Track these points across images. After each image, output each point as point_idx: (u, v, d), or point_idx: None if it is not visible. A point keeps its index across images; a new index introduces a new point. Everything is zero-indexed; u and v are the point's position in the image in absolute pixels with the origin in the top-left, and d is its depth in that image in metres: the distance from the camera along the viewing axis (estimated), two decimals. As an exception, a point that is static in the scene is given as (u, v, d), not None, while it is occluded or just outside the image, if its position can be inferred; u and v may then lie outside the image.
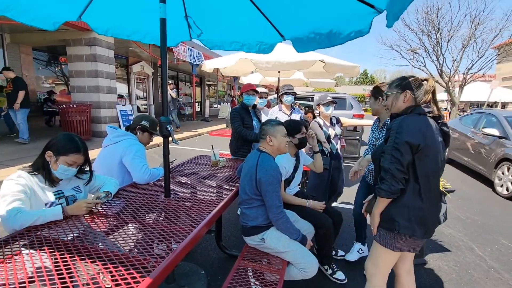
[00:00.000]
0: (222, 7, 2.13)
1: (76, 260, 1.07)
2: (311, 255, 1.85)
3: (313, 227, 2.13)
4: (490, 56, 14.58)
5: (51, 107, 8.96)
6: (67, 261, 1.06)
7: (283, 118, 3.37)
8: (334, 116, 3.10)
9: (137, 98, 12.73)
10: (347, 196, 3.84)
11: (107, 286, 0.94)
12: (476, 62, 14.49)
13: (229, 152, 3.33)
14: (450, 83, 14.97)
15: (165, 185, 1.80)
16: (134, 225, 1.43)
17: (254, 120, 3.25)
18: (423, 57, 15.62)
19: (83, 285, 0.94)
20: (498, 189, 4.84)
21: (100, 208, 1.59)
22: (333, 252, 2.54)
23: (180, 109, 14.50)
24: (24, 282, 0.94)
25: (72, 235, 1.27)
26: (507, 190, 4.65)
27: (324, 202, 2.28)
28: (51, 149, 1.48)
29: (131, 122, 2.38)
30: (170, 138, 1.73)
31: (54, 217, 1.38)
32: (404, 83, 1.50)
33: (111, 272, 1.01)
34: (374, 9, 1.69)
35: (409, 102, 1.48)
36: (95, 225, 1.41)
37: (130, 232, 1.36)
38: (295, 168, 2.41)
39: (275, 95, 6.74)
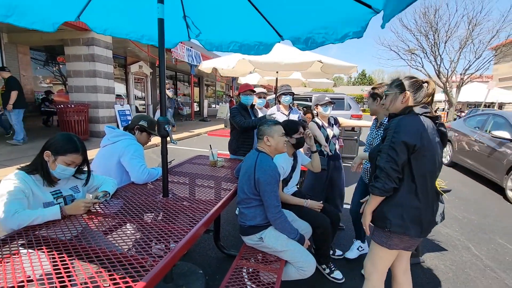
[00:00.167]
0: (221, 7, 2.14)
1: (74, 259, 1.08)
2: (309, 254, 1.86)
3: (311, 227, 2.15)
4: (487, 57, 14.75)
5: (49, 107, 8.91)
6: (65, 261, 1.06)
7: (281, 118, 3.37)
8: (332, 117, 3.11)
9: (135, 98, 12.69)
10: (347, 196, 3.83)
11: (105, 285, 0.95)
12: (474, 62, 14.64)
13: (227, 152, 3.34)
14: (447, 83, 15.07)
15: (163, 185, 1.81)
16: (132, 224, 1.43)
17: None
18: (421, 58, 15.75)
19: (81, 284, 0.94)
20: (510, 195, 4.43)
21: (98, 208, 1.60)
22: (331, 252, 2.56)
23: (179, 109, 14.49)
24: (22, 282, 0.94)
25: (70, 234, 1.28)
26: None
27: (321, 202, 2.29)
28: (49, 149, 1.48)
29: (129, 122, 2.38)
30: (168, 138, 1.73)
31: (52, 217, 1.38)
32: (404, 84, 1.50)
33: (109, 271, 1.01)
34: (371, 9, 1.70)
35: (407, 103, 1.49)
36: (93, 225, 1.41)
37: (128, 232, 1.36)
38: (293, 168, 2.42)
39: (273, 96, 6.74)
